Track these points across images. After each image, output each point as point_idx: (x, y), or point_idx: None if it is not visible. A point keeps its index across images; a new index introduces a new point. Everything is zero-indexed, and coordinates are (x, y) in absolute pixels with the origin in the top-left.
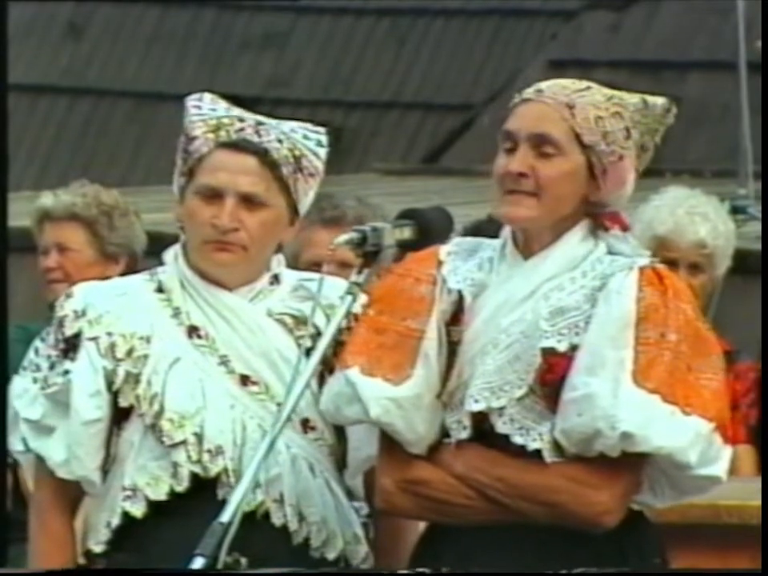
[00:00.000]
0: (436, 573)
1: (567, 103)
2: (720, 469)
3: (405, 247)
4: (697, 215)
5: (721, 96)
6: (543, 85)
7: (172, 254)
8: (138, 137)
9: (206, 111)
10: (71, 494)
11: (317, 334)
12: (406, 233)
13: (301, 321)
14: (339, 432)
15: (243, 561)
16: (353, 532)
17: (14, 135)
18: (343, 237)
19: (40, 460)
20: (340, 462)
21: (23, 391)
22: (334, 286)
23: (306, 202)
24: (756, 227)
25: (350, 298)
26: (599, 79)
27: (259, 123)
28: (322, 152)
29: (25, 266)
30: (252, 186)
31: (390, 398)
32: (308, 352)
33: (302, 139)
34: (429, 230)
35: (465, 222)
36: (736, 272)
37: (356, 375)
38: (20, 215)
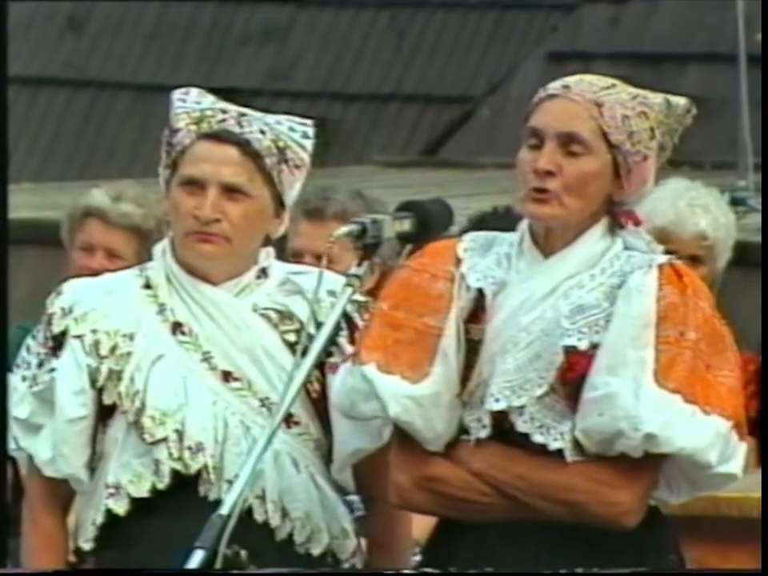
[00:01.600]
0: (443, 573)
1: (596, 101)
2: (736, 466)
3: (404, 239)
4: (697, 207)
5: (720, 89)
6: (570, 81)
7: (160, 249)
8: (138, 129)
9: (190, 104)
10: (62, 492)
11: (301, 329)
12: (406, 225)
13: (286, 316)
14: (326, 426)
15: (243, 553)
16: (341, 527)
17: (15, 127)
18: (343, 229)
19: (30, 458)
20: (327, 457)
21: (13, 390)
22: (323, 281)
23: (292, 193)
24: (756, 219)
25: (349, 290)
26: (599, 72)
27: (242, 114)
28: (308, 144)
29: (25, 258)
30: (234, 176)
31: (410, 397)
32: (304, 348)
33: (287, 131)
34: (428, 222)
35: (467, 214)
36: (736, 264)
37: (373, 372)
38: (20, 207)
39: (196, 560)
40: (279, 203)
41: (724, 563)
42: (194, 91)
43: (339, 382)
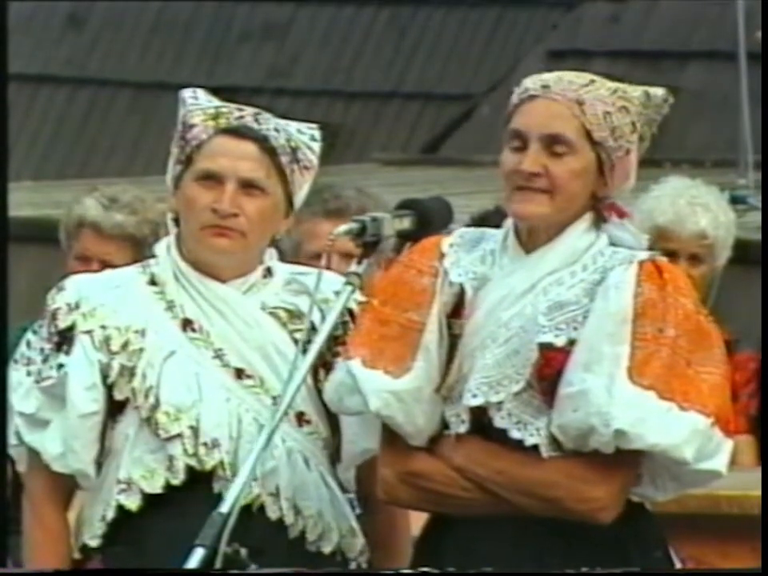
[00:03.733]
0: (443, 573)
1: (577, 99)
2: (720, 463)
3: (404, 237)
4: (698, 206)
5: (720, 86)
6: (549, 80)
7: (164, 246)
8: (138, 127)
9: (203, 101)
10: (65, 487)
11: (311, 329)
12: (406, 223)
13: (295, 315)
14: (333, 425)
15: (243, 551)
16: (349, 525)
17: (15, 125)
18: (343, 227)
19: (34, 453)
20: (334, 456)
21: (17, 384)
22: (329, 281)
23: (300, 195)
24: (756, 217)
25: (349, 288)
26: (599, 70)
27: (257, 112)
28: (316, 146)
29: (25, 255)
30: (252, 171)
31: (391, 391)
32: (304, 347)
33: (296, 133)
34: (428, 220)
35: (467, 212)
36: (736, 262)
37: (357, 367)
38: (21, 205)
39: (196, 558)
40: (289, 203)
41: (724, 561)
42: (201, 91)
43: (330, 378)
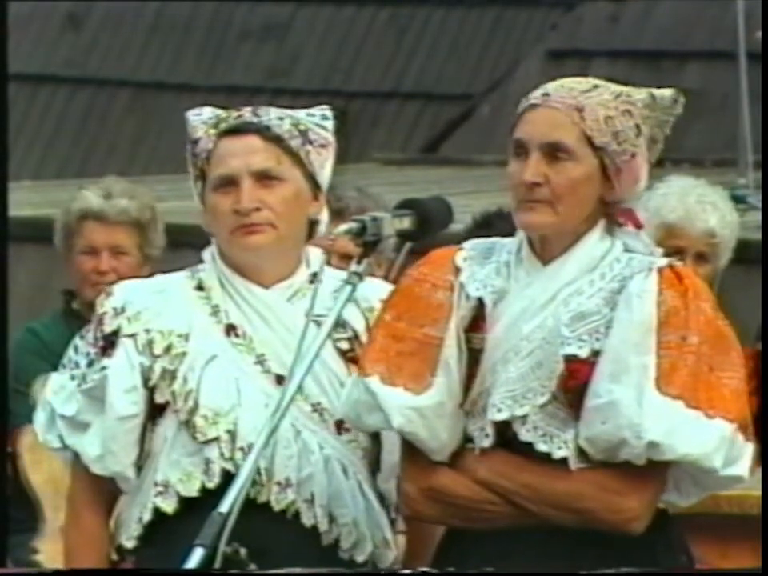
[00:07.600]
0: (440, 573)
1: (576, 106)
2: (743, 468)
3: (404, 237)
4: (707, 204)
5: (720, 86)
6: (550, 88)
7: (210, 254)
8: (137, 126)
9: (205, 116)
10: (107, 490)
11: (353, 337)
12: (406, 223)
13: (338, 323)
14: (374, 435)
15: (242, 551)
16: (383, 536)
17: (15, 125)
18: (343, 227)
19: (76, 456)
20: (374, 465)
21: (59, 388)
22: (374, 288)
23: (324, 173)
24: (755, 217)
25: (349, 287)
26: (598, 70)
27: (255, 108)
28: (329, 124)
29: (25, 255)
30: (262, 162)
31: (413, 408)
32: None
33: (305, 116)
34: (428, 220)
35: (467, 212)
36: (736, 262)
37: (376, 384)
38: (20, 205)
39: (196, 558)
40: (315, 185)
41: (724, 561)
42: (207, 108)
43: (345, 394)
